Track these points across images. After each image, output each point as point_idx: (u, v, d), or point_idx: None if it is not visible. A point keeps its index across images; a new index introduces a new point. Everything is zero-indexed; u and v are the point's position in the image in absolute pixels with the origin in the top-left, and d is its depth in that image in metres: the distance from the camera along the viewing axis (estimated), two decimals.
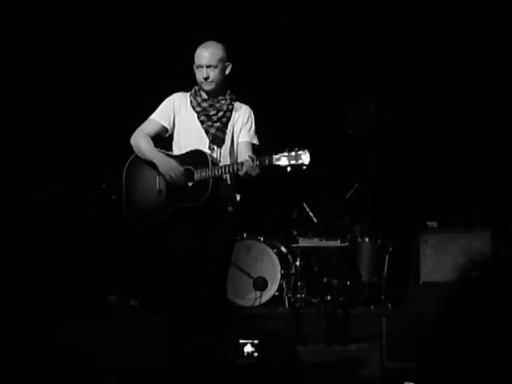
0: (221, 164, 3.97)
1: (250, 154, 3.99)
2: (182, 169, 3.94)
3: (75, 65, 6.28)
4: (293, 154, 3.72)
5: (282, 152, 3.74)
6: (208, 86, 4.01)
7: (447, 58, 6.59)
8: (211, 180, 3.88)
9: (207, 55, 4.00)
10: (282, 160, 3.74)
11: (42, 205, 5.92)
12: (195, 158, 3.95)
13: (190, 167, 3.94)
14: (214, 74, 3.99)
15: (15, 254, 5.71)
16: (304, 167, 3.74)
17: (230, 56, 4.09)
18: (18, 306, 5.27)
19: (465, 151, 6.56)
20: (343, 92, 6.63)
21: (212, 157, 3.95)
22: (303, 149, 3.74)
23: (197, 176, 3.91)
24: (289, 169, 3.72)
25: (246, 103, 4.20)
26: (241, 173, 3.83)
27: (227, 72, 4.08)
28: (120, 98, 6.18)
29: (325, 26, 6.66)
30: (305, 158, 3.71)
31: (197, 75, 4.04)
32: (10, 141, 5.98)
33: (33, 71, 6.12)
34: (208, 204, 3.90)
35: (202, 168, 3.90)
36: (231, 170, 3.88)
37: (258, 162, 3.75)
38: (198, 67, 4.02)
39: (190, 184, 3.94)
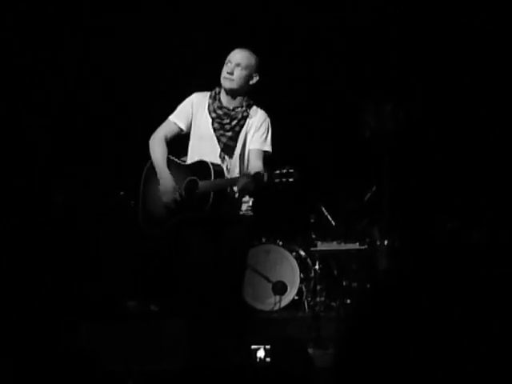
0: (229, 174, 3.99)
1: (260, 162, 4.00)
2: (177, 194, 3.97)
3: (93, 67, 6.31)
4: (284, 171, 3.72)
5: (273, 172, 3.75)
6: (228, 83, 4.02)
7: (467, 57, 6.55)
8: (212, 192, 3.92)
9: (240, 55, 4.04)
10: (273, 179, 3.74)
11: (61, 209, 5.97)
12: (200, 169, 3.98)
13: (195, 178, 3.99)
14: (238, 73, 4.00)
15: (35, 258, 5.76)
16: (293, 183, 3.75)
17: (260, 70, 4.09)
18: (38, 310, 5.32)
19: (483, 151, 6.51)
20: (360, 94, 6.61)
21: (216, 168, 3.96)
22: (293, 168, 3.74)
23: (201, 187, 3.95)
24: (280, 186, 3.75)
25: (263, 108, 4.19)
26: (236, 189, 3.88)
27: (251, 82, 4.08)
28: (139, 103, 6.22)
29: (341, 28, 6.65)
30: (294, 176, 3.72)
31: (223, 70, 4.06)
32: (25, 146, 6.04)
33: (44, 76, 6.17)
34: (212, 214, 3.93)
35: (204, 180, 3.94)
36: (228, 184, 3.93)
37: (251, 179, 3.77)
38: (227, 63, 4.04)
39: (194, 194, 3.98)
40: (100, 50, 6.25)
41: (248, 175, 3.79)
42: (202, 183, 3.94)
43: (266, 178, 3.73)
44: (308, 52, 6.71)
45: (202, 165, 3.98)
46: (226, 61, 4.06)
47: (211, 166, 3.94)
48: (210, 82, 4.19)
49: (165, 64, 6.29)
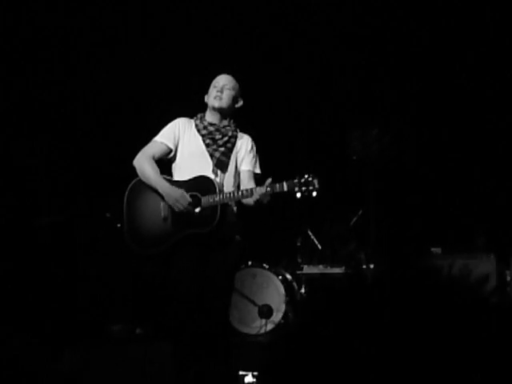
0: (224, 189, 3.99)
1: (253, 183, 4.02)
2: (188, 198, 3.94)
3: (78, 89, 6.35)
4: (303, 180, 3.74)
5: (293, 179, 3.77)
6: (218, 102, 4.07)
7: (449, 81, 6.64)
8: (219, 206, 3.88)
9: (226, 78, 4.15)
10: (292, 187, 3.76)
11: (45, 232, 5.95)
12: (201, 184, 3.94)
13: (197, 194, 3.94)
14: (227, 92, 4.09)
15: (20, 281, 5.72)
16: (314, 193, 3.75)
17: (243, 96, 4.20)
18: (23, 334, 5.27)
19: (467, 175, 6.58)
20: (345, 118, 6.67)
21: (219, 183, 3.96)
22: (313, 175, 3.77)
23: (204, 203, 3.91)
24: (299, 195, 3.74)
25: (248, 132, 4.24)
26: (252, 199, 3.85)
27: (237, 105, 4.17)
28: (124, 123, 6.24)
29: (327, 52, 6.72)
30: (315, 184, 3.73)
31: (209, 94, 4.12)
32: (13, 166, 6.03)
33: (37, 92, 6.19)
34: (216, 230, 3.90)
35: (209, 194, 3.90)
36: (241, 196, 3.89)
37: (269, 189, 3.77)
38: (214, 85, 4.11)
39: (197, 210, 3.93)
40: (105, 77, 6.30)
41: (266, 186, 3.79)
42: (205, 198, 3.91)
43: (285, 187, 3.74)
44: (295, 76, 6.77)
45: (203, 180, 3.95)
46: (212, 85, 4.14)
47: (215, 181, 3.93)
48: (188, 111, 4.23)
49: (168, 90, 6.33)
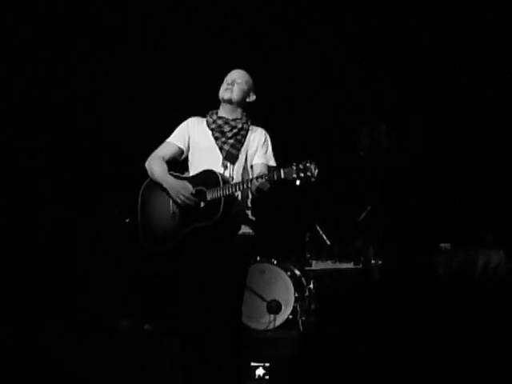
0: (233, 182, 3.98)
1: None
2: (191, 189, 3.95)
3: (88, 86, 6.35)
4: (301, 166, 3.72)
5: (290, 166, 3.75)
6: (228, 94, 4.08)
7: (458, 79, 6.62)
8: (223, 199, 3.88)
9: (238, 73, 4.16)
10: (291, 173, 3.73)
11: (51, 228, 5.96)
12: (206, 178, 3.95)
13: (202, 188, 3.94)
14: (237, 87, 4.10)
15: (27, 278, 5.73)
16: (313, 179, 3.73)
17: (255, 90, 4.20)
18: (31, 330, 5.28)
19: (476, 170, 6.56)
20: (354, 114, 6.66)
21: (223, 175, 3.95)
22: (311, 161, 3.74)
23: (209, 196, 3.91)
24: (298, 182, 3.71)
25: (261, 126, 4.23)
26: (252, 189, 3.85)
27: (248, 100, 4.17)
28: (136, 121, 6.24)
29: (336, 48, 6.70)
30: (313, 169, 3.71)
31: (222, 86, 4.13)
32: (14, 165, 6.04)
33: (43, 90, 6.20)
34: (221, 223, 3.88)
35: (213, 187, 3.90)
36: (242, 187, 3.89)
37: (267, 177, 3.76)
38: (226, 80, 4.14)
39: (203, 204, 3.93)
40: (116, 76, 6.30)
41: (263, 174, 3.79)
42: (210, 191, 3.91)
43: (282, 173, 3.72)
44: (305, 72, 6.76)
45: (207, 173, 3.96)
46: (225, 79, 4.16)
47: (219, 174, 3.93)
48: (203, 111, 4.24)
49: (182, 89, 6.34)
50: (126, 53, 6.41)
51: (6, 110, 6.10)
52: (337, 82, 6.75)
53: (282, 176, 3.72)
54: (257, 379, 4.02)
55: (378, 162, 6.50)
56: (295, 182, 3.66)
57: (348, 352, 1.26)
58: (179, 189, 3.96)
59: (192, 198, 3.93)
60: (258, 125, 4.23)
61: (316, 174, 3.69)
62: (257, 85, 4.24)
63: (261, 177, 3.77)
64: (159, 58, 6.44)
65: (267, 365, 3.86)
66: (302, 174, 3.68)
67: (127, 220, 5.30)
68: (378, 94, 6.64)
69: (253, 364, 3.92)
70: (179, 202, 3.95)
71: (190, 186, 3.96)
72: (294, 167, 3.70)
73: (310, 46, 6.69)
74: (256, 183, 3.79)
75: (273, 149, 4.20)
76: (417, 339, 1.22)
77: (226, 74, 4.20)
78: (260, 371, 3.94)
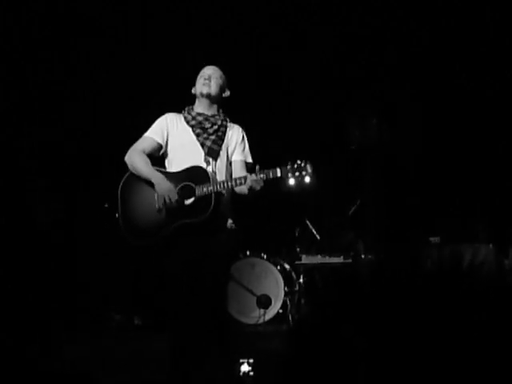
0: (217, 177, 3.99)
1: (245, 172, 4.01)
2: (176, 195, 3.95)
3: (71, 85, 6.35)
4: (295, 166, 3.74)
5: (285, 165, 3.76)
6: (206, 88, 4.09)
7: (449, 73, 6.62)
8: (213, 195, 3.88)
9: (213, 70, 4.18)
10: (285, 172, 3.75)
11: (45, 224, 5.95)
12: (194, 173, 3.94)
13: (190, 183, 3.94)
14: (214, 80, 4.13)
15: (18, 273, 5.73)
16: (307, 178, 3.75)
17: (229, 86, 4.22)
18: (22, 326, 5.28)
19: (467, 164, 6.57)
20: (345, 108, 6.65)
21: (211, 172, 3.96)
22: (305, 160, 3.76)
23: (198, 192, 3.91)
24: (292, 180, 3.73)
25: (242, 121, 4.23)
26: (245, 187, 3.86)
27: (224, 95, 4.19)
28: (119, 116, 6.23)
29: (325, 43, 6.69)
30: (308, 169, 3.72)
31: (197, 83, 4.14)
32: (12, 159, 6.04)
33: (34, 89, 6.19)
34: (211, 219, 3.89)
35: (203, 184, 3.90)
36: (234, 185, 3.89)
37: (261, 176, 3.77)
38: (201, 76, 4.13)
39: (191, 201, 3.93)
40: (95, 75, 6.30)
41: (258, 173, 3.79)
42: (199, 187, 3.91)
43: (279, 172, 3.73)
44: (295, 65, 6.75)
45: (196, 169, 3.95)
46: (199, 76, 4.17)
47: (208, 170, 3.93)
48: (177, 107, 4.23)
49: (158, 85, 6.33)
50: (126, 53, 6.40)
51: (6, 110, 6.10)
52: (331, 78, 6.75)
53: (279, 175, 3.74)
54: (241, 376, 4.01)
55: (368, 156, 6.50)
56: (289, 181, 3.69)
57: (338, 346, 1.26)
58: (166, 192, 3.95)
59: (176, 204, 3.93)
60: (242, 119, 4.23)
61: (310, 172, 3.72)
62: (245, 75, 4.25)
63: (255, 175, 3.77)
64: (157, 58, 6.44)
65: (251, 361, 3.86)
66: (297, 173, 3.70)
67: (117, 215, 5.28)
68: (378, 94, 6.64)
69: (240, 360, 3.92)
70: (167, 201, 3.94)
71: (175, 191, 3.95)
72: (290, 166, 3.72)
73: (305, 44, 6.69)
74: (249, 182, 3.79)
75: (259, 144, 4.21)
76: (407, 333, 1.22)
77: (199, 69, 4.19)
78: (245, 367, 3.94)
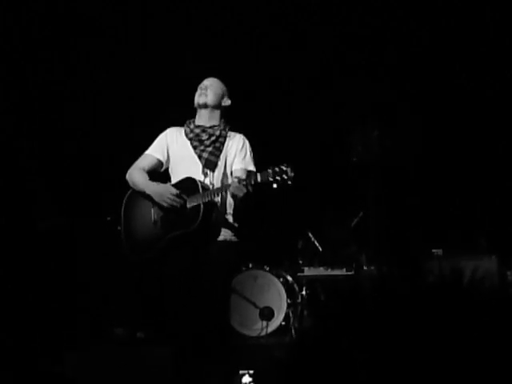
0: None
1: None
2: (175, 190, 3.97)
3: (71, 85, 6.37)
4: (277, 170, 3.73)
5: (266, 169, 3.76)
6: (203, 98, 4.13)
7: (450, 86, 6.63)
8: (202, 205, 3.90)
9: (211, 80, 4.22)
10: (267, 177, 3.74)
11: (47, 235, 5.95)
12: (186, 185, 3.98)
13: (183, 195, 3.97)
14: (211, 90, 4.14)
15: (22, 284, 5.72)
16: (289, 182, 3.73)
17: (230, 95, 4.24)
18: (25, 337, 5.27)
19: (469, 175, 6.56)
20: (346, 120, 6.66)
21: (202, 182, 3.98)
22: (287, 164, 3.75)
23: (189, 204, 3.94)
24: (275, 185, 3.72)
25: (244, 132, 4.24)
26: (229, 194, 3.89)
27: (224, 104, 4.21)
28: (125, 125, 6.25)
29: (328, 53, 6.71)
30: (289, 172, 3.72)
31: (196, 95, 4.17)
32: (14, 168, 6.05)
33: (34, 89, 6.21)
34: (201, 229, 3.90)
35: (193, 195, 3.92)
36: (220, 193, 3.92)
37: (244, 182, 3.78)
38: (198, 90, 4.17)
39: (184, 211, 3.95)
40: (99, 87, 6.31)
41: (239, 178, 3.79)
42: (190, 198, 3.93)
43: (259, 177, 3.73)
44: (297, 77, 6.76)
45: (187, 181, 3.99)
46: (198, 88, 4.22)
47: (198, 181, 3.94)
48: (181, 121, 4.25)
49: (163, 101, 6.35)
50: (126, 53, 6.41)
51: (5, 110, 6.11)
52: (333, 84, 6.75)
53: (259, 180, 3.74)
54: None
55: (370, 168, 6.50)
56: (272, 186, 3.68)
57: (340, 358, 1.27)
58: (163, 192, 3.99)
59: (177, 199, 3.95)
60: (245, 131, 4.24)
61: (292, 176, 3.71)
62: (246, 87, 4.26)
63: (237, 182, 3.79)
64: (158, 61, 6.44)
65: (252, 372, 3.85)
66: (278, 178, 3.70)
67: (119, 228, 5.28)
68: (371, 97, 6.64)
69: (240, 372, 3.91)
70: (165, 204, 3.97)
71: (171, 188, 3.98)
72: (270, 171, 3.72)
73: (302, 46, 6.69)
74: (231, 189, 3.81)
75: (260, 155, 4.21)
76: (409, 346, 1.23)
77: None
78: (246, 379, 3.93)
